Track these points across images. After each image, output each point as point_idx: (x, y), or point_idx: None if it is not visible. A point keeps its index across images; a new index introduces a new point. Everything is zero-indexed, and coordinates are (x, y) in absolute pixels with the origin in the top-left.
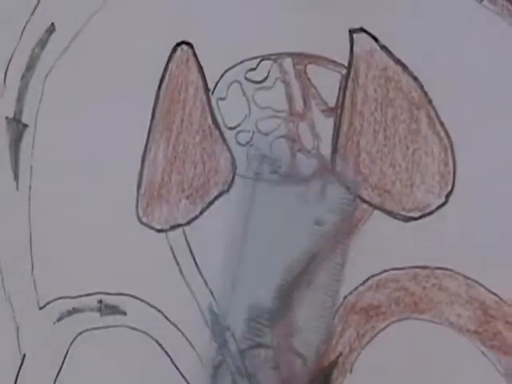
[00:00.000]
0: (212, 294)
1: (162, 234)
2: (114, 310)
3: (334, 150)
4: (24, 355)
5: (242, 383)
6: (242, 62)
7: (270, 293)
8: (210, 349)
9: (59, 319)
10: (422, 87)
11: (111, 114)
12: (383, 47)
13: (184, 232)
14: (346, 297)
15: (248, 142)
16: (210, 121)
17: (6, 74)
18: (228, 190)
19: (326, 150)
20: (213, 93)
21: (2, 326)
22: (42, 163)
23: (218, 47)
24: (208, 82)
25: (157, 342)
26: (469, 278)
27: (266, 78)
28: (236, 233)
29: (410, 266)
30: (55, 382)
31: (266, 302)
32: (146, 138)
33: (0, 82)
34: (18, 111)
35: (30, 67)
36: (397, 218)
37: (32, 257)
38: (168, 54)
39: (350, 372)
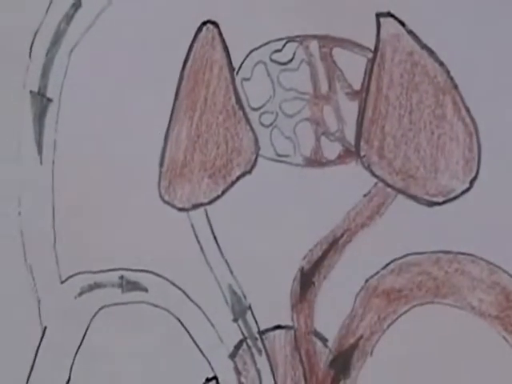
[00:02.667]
0: (232, 273)
1: (184, 213)
2: (135, 286)
3: (359, 133)
4: (45, 328)
5: (262, 363)
6: (267, 43)
7: (291, 275)
8: (230, 328)
9: (80, 294)
10: (448, 72)
11: (136, 91)
12: (410, 32)
13: (206, 211)
14: (367, 280)
15: (271, 124)
16: (233, 101)
17: (31, 48)
18: (250, 171)
19: (350, 133)
20: (237, 73)
21: (23, 299)
22: (65, 138)
23: (243, 27)
24: (233, 62)
25: (177, 319)
26: (491, 264)
27: (292, 59)
28: (258, 213)
29: (432, 250)
30: (75, 355)
31: (287, 284)
32: (169, 116)
33: (25, 56)
34: (43, 86)
35: (56, 42)
36: (420, 203)
37: (55, 231)
38: (193, 33)
39: (371, 355)
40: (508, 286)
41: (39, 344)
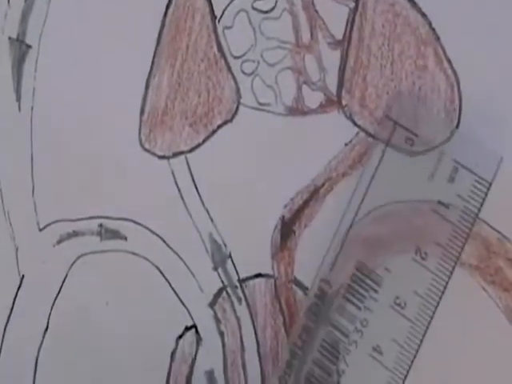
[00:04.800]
0: (213, 221)
1: (164, 161)
2: (115, 234)
3: (341, 83)
4: (23, 276)
5: (242, 312)
6: None
7: (271, 223)
8: (210, 277)
9: (59, 241)
10: (430, 24)
11: (116, 38)
12: None
13: (186, 159)
14: (349, 228)
15: (253, 72)
16: (215, 49)
17: None
18: (231, 120)
19: (332, 83)
20: (219, 21)
21: (1, 246)
22: (44, 85)
23: None
24: (215, 10)
25: (157, 268)
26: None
27: (274, 8)
28: (239, 162)
29: (413, 199)
30: (53, 303)
31: (268, 233)
32: (150, 64)
33: (4, 2)
34: (22, 32)
35: None
36: (401, 152)
37: (33, 178)
38: None
39: None
40: (488, 237)
41: (16, 292)
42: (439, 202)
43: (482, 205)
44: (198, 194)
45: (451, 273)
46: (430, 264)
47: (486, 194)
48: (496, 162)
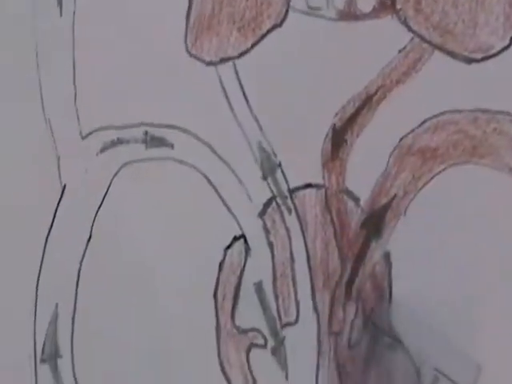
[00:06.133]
0: (262, 130)
1: (212, 67)
2: (161, 142)
3: None
4: (64, 186)
5: (291, 222)
6: None
7: (323, 132)
8: (260, 186)
9: (102, 150)
10: None
11: None
12: None
13: (234, 65)
14: (402, 138)
15: None
16: None
17: None
18: (281, 24)
19: None
20: None
21: (42, 156)
22: None
23: None
24: None
25: (204, 176)
26: None
27: None
28: (289, 68)
29: (470, 109)
30: (96, 213)
31: (319, 142)
32: None
33: None
34: None
35: None
36: (458, 60)
37: (75, 84)
38: None
39: (404, 214)
40: None
41: (58, 202)
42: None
43: None
44: (247, 101)
45: None
46: None
47: None
48: None
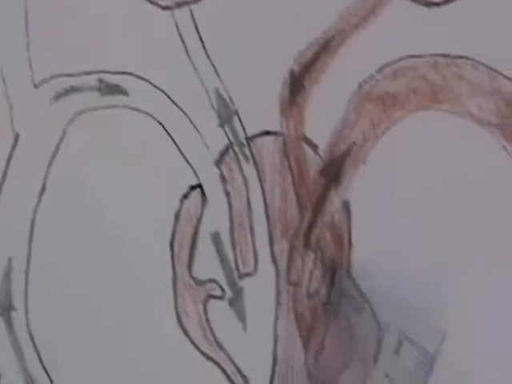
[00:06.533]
0: (219, 76)
1: (168, 12)
2: (116, 89)
3: None
4: (17, 135)
5: (249, 171)
6: None
7: (280, 78)
8: (216, 134)
9: (56, 98)
10: None
11: None
12: None
13: (191, 10)
14: (360, 85)
15: None
16: None
17: None
18: None
19: None
20: None
21: None
22: None
23: None
24: None
25: (160, 124)
26: (492, 69)
27: None
28: (246, 14)
29: (429, 53)
30: (50, 163)
31: (276, 88)
32: None
33: None
34: None
35: None
36: (418, 3)
37: (27, 32)
38: None
39: (364, 163)
40: (509, 93)
41: (11, 152)
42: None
43: None
44: (203, 47)
45: None
46: None
47: None
48: None
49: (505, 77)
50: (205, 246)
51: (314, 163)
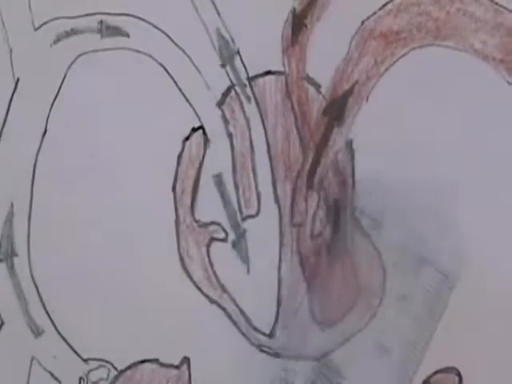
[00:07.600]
0: (220, 15)
1: None
2: (116, 31)
3: None
4: (18, 79)
5: (251, 111)
6: None
7: (282, 17)
8: (218, 74)
9: (56, 41)
10: None
11: None
12: None
13: None
14: (363, 22)
15: None
16: None
17: None
18: None
19: None
20: None
21: None
22: None
23: None
24: None
25: (161, 65)
26: (496, 3)
27: None
28: None
29: None
30: (52, 106)
31: (278, 27)
32: None
33: None
34: None
35: None
36: None
37: None
38: None
39: (367, 100)
40: None
41: (11, 97)
42: None
43: None
44: None
45: None
46: None
47: None
48: None
49: (510, 11)
50: (207, 188)
51: (316, 103)
